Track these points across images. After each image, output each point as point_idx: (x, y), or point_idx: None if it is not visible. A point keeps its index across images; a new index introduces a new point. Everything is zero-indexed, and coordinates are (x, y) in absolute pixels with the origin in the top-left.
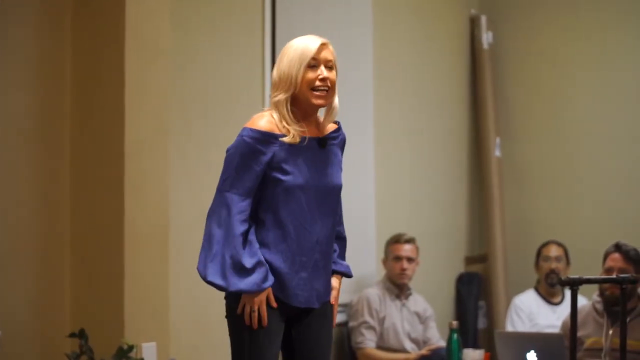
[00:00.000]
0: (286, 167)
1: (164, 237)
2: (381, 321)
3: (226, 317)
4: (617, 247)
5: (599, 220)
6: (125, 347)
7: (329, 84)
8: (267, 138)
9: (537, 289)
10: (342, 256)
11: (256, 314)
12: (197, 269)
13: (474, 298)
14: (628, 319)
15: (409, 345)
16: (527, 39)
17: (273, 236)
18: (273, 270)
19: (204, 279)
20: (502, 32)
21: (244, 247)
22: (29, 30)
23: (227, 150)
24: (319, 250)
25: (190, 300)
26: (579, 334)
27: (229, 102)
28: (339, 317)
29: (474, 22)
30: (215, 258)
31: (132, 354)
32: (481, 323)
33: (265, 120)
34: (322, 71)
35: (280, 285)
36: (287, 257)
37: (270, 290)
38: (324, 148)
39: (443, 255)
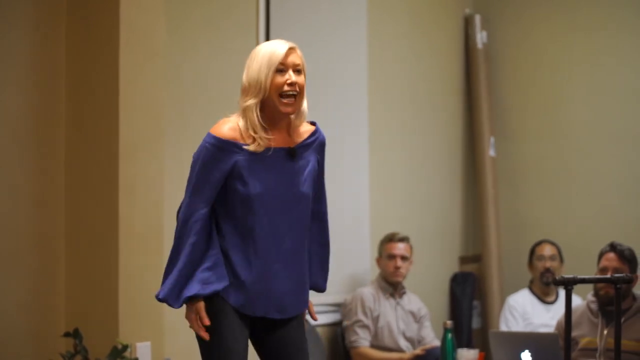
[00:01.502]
0: (247, 177)
1: (158, 238)
2: (375, 320)
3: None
4: (612, 247)
5: (593, 219)
6: (119, 346)
7: (297, 89)
8: (228, 147)
9: (531, 289)
10: (323, 263)
11: (198, 322)
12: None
13: (468, 298)
14: (623, 319)
15: (403, 343)
16: (521, 38)
17: (232, 245)
18: (231, 279)
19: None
20: (496, 32)
21: (196, 257)
22: (24, 31)
23: (193, 155)
24: (283, 260)
25: None
26: (574, 333)
27: (223, 102)
28: (333, 316)
29: (468, 22)
30: (167, 273)
31: (127, 354)
32: (475, 323)
33: (229, 126)
34: (291, 75)
35: (237, 295)
36: (244, 266)
37: (202, 305)
38: (293, 159)
39: (437, 255)
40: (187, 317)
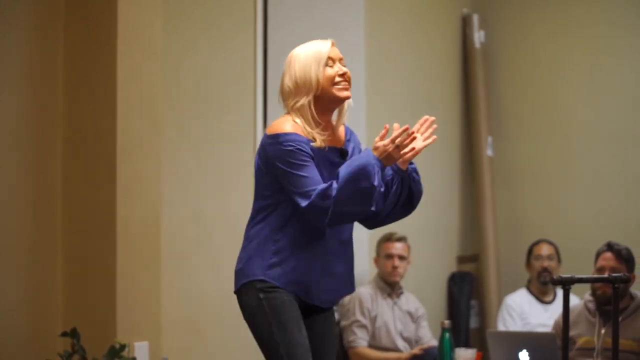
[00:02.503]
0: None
1: (156, 237)
2: (373, 320)
3: (246, 318)
4: (609, 247)
5: (590, 219)
6: (117, 346)
7: (347, 78)
8: (304, 139)
9: (528, 288)
10: None
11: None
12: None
13: (466, 297)
14: (620, 319)
15: (401, 343)
16: (519, 37)
17: (299, 239)
18: (297, 271)
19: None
20: (494, 31)
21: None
22: (22, 31)
23: (268, 158)
24: (340, 251)
25: (182, 300)
26: (571, 333)
27: (221, 101)
28: None
29: (466, 21)
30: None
31: (124, 353)
32: (473, 322)
33: (290, 124)
34: (340, 67)
35: (301, 286)
36: (310, 260)
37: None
38: (344, 159)
39: (435, 255)
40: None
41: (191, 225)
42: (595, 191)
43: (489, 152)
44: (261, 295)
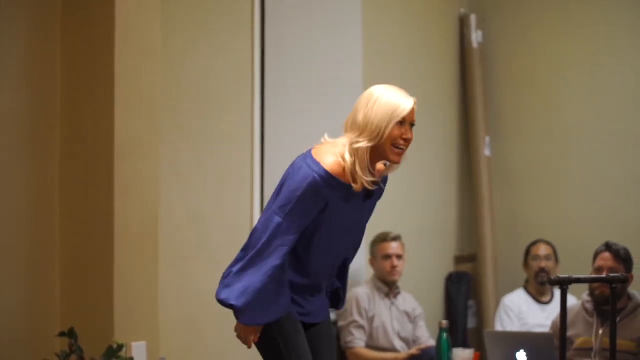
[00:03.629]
0: (336, 211)
1: (154, 237)
2: (370, 320)
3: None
4: (607, 247)
5: (588, 219)
6: (115, 346)
7: (408, 144)
8: (334, 183)
9: (526, 288)
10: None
11: (249, 342)
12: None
13: (463, 297)
14: (618, 319)
15: (398, 344)
16: (516, 37)
17: (299, 265)
18: (300, 300)
19: (217, 297)
20: (491, 31)
21: (273, 282)
22: (19, 30)
23: (295, 171)
24: (328, 275)
25: (180, 300)
26: (569, 333)
27: (218, 102)
28: None
29: (463, 21)
30: (242, 280)
31: (122, 353)
32: (471, 322)
33: (337, 162)
34: (407, 131)
35: (302, 309)
36: (306, 287)
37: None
38: (368, 199)
39: (432, 255)
40: (244, 331)
41: (189, 226)
42: (594, 191)
43: (486, 152)
44: None
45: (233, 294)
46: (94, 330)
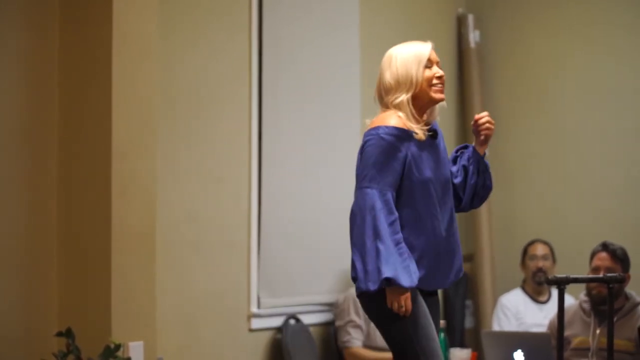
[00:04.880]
0: (420, 162)
1: (151, 237)
2: (367, 320)
3: (375, 319)
4: (604, 246)
5: (585, 219)
6: (112, 346)
7: (443, 81)
8: (403, 135)
9: (523, 288)
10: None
11: (404, 309)
12: (356, 278)
13: (460, 297)
14: (615, 319)
15: None
16: (514, 37)
17: (413, 230)
18: (418, 262)
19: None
20: (489, 31)
21: (396, 244)
22: (17, 32)
23: (363, 148)
24: (447, 236)
25: (177, 300)
26: (566, 333)
27: (216, 102)
28: (325, 316)
29: (461, 21)
30: (377, 256)
31: (119, 353)
32: (468, 322)
33: (396, 119)
34: (438, 70)
35: (423, 275)
36: (428, 250)
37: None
38: (435, 140)
39: None
40: (397, 296)
41: (187, 226)
42: (591, 191)
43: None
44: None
45: (379, 274)
46: (91, 330)
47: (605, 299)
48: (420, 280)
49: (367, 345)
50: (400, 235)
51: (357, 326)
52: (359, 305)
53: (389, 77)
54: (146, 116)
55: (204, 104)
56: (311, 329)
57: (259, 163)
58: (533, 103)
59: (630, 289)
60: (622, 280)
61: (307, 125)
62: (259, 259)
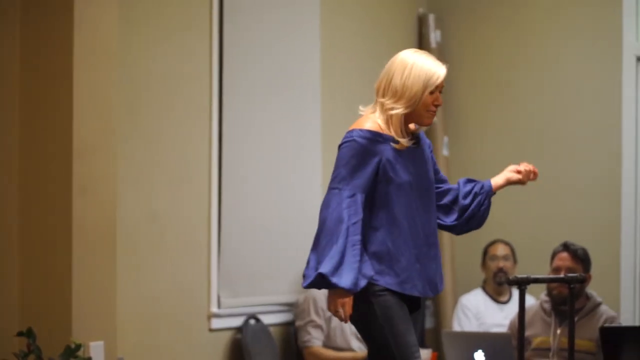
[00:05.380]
0: (396, 166)
1: (111, 237)
2: (328, 320)
3: (355, 321)
4: (565, 247)
5: (546, 219)
6: (73, 346)
7: (438, 108)
8: (378, 138)
9: (484, 288)
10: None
11: (340, 313)
12: (305, 274)
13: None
14: (576, 319)
15: (355, 344)
16: (475, 37)
17: (389, 233)
18: (394, 264)
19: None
20: (450, 31)
21: (350, 245)
22: None
23: (339, 150)
24: (427, 242)
25: (137, 299)
26: (527, 333)
27: (176, 102)
28: (285, 316)
29: (422, 21)
30: (324, 253)
31: (80, 353)
32: (428, 322)
33: (371, 123)
34: (439, 98)
35: (401, 279)
36: (404, 250)
37: (351, 298)
38: (417, 146)
39: None
40: (335, 299)
41: (147, 226)
42: (552, 191)
43: (444, 151)
44: (371, 299)
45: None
46: (52, 330)
47: (566, 299)
48: (397, 284)
49: (327, 345)
50: (358, 237)
51: (318, 326)
52: (319, 305)
53: (397, 83)
54: (107, 116)
55: (164, 104)
56: (271, 329)
57: (219, 163)
58: (494, 102)
59: (591, 289)
60: (583, 281)
61: (268, 125)
62: (219, 259)
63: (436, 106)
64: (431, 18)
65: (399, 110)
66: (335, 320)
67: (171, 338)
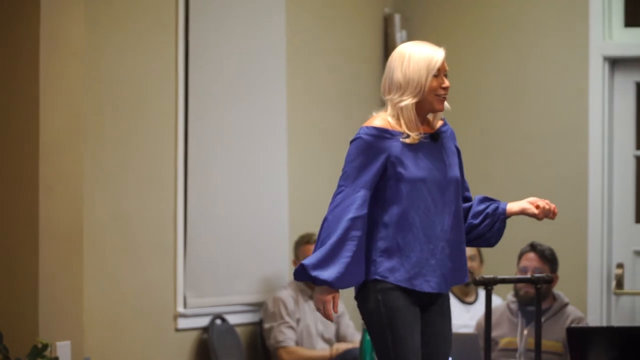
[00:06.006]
0: (405, 161)
1: (78, 237)
2: (297, 323)
3: (363, 317)
4: (532, 247)
5: (513, 219)
6: (40, 345)
7: (447, 91)
8: (385, 134)
9: (450, 289)
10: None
11: (322, 311)
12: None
13: None
14: (543, 319)
15: (321, 345)
16: (441, 37)
17: (400, 229)
18: (404, 260)
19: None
20: (416, 31)
21: (345, 240)
22: None
23: (348, 150)
24: (444, 238)
25: (104, 299)
26: (493, 334)
27: (142, 102)
28: (251, 316)
29: (387, 21)
30: (318, 247)
31: (47, 353)
32: None
33: (380, 120)
34: (445, 80)
35: (411, 274)
36: (414, 246)
37: (337, 295)
38: (436, 142)
39: None
40: (317, 298)
41: (113, 226)
42: (518, 191)
43: None
44: (379, 297)
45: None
46: (19, 330)
47: (533, 299)
48: (407, 280)
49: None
50: (358, 234)
51: (290, 327)
52: (289, 308)
53: (399, 76)
54: (73, 116)
55: (130, 104)
56: (237, 329)
57: (185, 163)
58: (460, 103)
59: (558, 290)
60: (550, 281)
61: (233, 125)
62: (185, 259)
63: (444, 89)
64: (397, 18)
65: (407, 101)
66: (302, 324)
67: (138, 338)
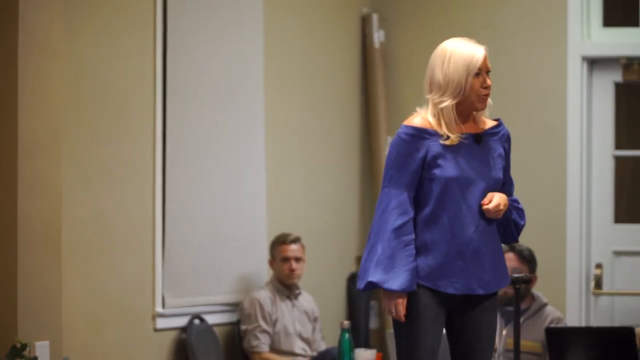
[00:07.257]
0: (441, 161)
1: (57, 236)
2: (273, 324)
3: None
4: (511, 247)
5: None
6: (18, 345)
7: (489, 91)
8: (420, 134)
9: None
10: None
11: (394, 313)
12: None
13: (365, 298)
14: (522, 319)
15: (299, 345)
16: (418, 37)
17: (428, 228)
18: (430, 260)
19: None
20: (393, 31)
21: (402, 245)
22: None
23: (389, 149)
24: (478, 239)
25: (83, 299)
26: None
27: (121, 102)
28: (229, 316)
29: (365, 21)
30: (371, 253)
31: (26, 353)
32: (373, 323)
33: (419, 119)
34: (486, 79)
35: (435, 276)
36: (441, 247)
37: (406, 297)
38: (479, 143)
39: (334, 255)
40: (388, 300)
41: (92, 225)
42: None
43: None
44: None
45: (367, 274)
46: None
47: (512, 299)
48: (430, 280)
49: (272, 348)
50: (411, 237)
51: (264, 331)
52: (265, 310)
53: (440, 74)
54: (52, 116)
55: (109, 104)
56: (215, 329)
57: (163, 163)
58: None
59: (537, 290)
60: (529, 281)
61: (211, 125)
62: (163, 259)
63: (486, 88)
64: (375, 18)
65: (447, 102)
66: (279, 324)
67: (116, 338)
